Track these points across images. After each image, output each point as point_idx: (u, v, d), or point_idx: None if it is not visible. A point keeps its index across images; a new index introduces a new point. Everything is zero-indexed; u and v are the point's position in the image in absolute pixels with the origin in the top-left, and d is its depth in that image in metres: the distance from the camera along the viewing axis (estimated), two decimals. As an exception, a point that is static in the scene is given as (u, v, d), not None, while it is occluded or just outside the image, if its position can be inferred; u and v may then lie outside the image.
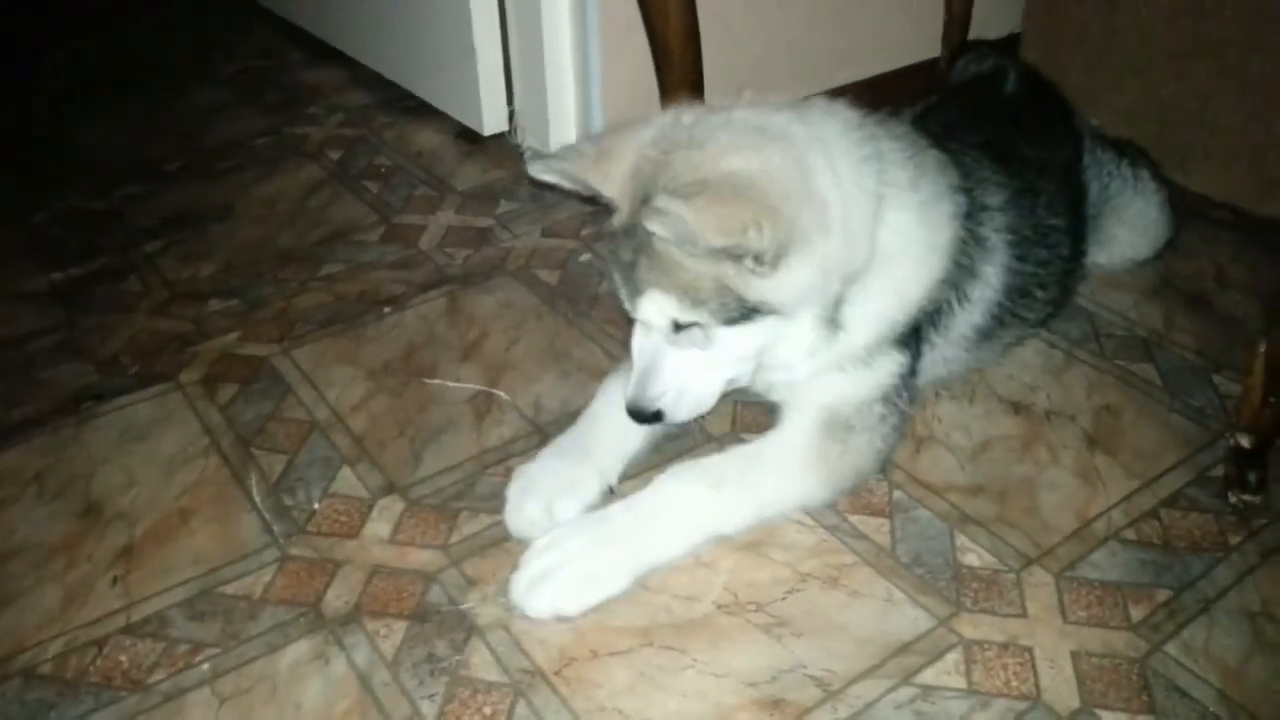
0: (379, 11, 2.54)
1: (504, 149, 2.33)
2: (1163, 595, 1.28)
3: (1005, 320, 1.56)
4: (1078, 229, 1.67)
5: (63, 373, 1.70)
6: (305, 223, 2.10)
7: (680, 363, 1.32)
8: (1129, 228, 1.81)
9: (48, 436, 1.56)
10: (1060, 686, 1.18)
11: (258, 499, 1.44)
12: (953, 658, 1.21)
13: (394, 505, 1.43)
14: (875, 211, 1.32)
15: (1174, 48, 2.07)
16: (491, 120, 2.34)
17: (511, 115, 2.33)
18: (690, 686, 1.18)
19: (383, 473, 1.49)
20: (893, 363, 1.41)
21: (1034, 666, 1.20)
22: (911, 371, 1.44)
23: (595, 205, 1.38)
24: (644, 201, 1.22)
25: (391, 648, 1.23)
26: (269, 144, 2.43)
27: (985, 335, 1.55)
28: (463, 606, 1.28)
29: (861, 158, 1.32)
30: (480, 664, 1.21)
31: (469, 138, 2.39)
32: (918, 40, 2.40)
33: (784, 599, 1.28)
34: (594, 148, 1.34)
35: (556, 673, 1.20)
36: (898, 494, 1.43)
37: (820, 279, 1.27)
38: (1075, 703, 1.16)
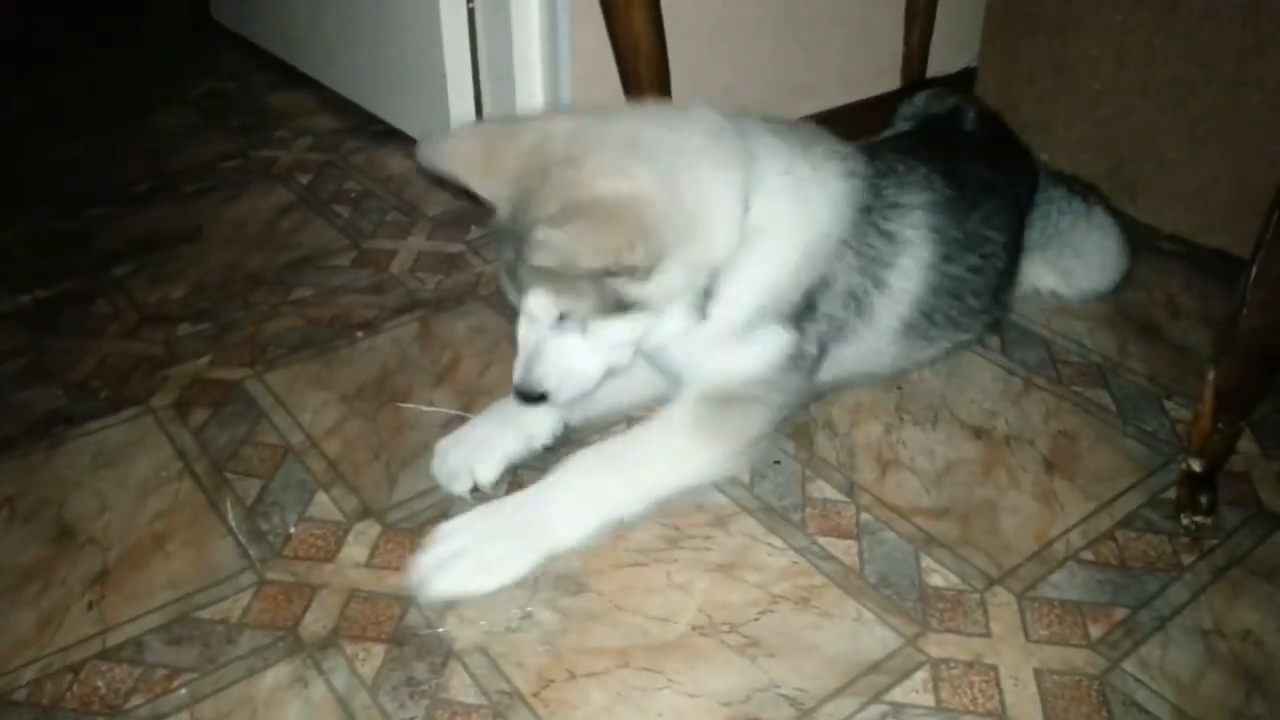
0: (347, 36, 2.56)
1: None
2: (1120, 614, 1.33)
3: (935, 320, 1.63)
4: (1014, 250, 1.75)
5: (32, 396, 1.69)
6: (275, 246, 2.11)
7: (562, 347, 1.38)
8: (1085, 262, 1.88)
9: (18, 461, 1.56)
10: (1024, 703, 1.22)
11: (233, 523, 1.45)
12: (920, 676, 1.25)
13: (370, 529, 1.44)
14: (741, 203, 1.38)
15: (1124, 84, 2.15)
16: (461, 146, 2.36)
17: (481, 142, 2.36)
18: (666, 707, 1.21)
19: (358, 497, 1.50)
20: (776, 339, 1.45)
21: (999, 684, 1.24)
22: (803, 353, 1.48)
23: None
24: (521, 217, 1.31)
25: (370, 671, 1.24)
26: (237, 167, 2.44)
27: (915, 331, 1.62)
28: (440, 630, 1.30)
29: (726, 158, 1.38)
30: (459, 686, 1.23)
31: (438, 163, 2.40)
32: (878, 74, 2.47)
33: (757, 620, 1.31)
34: (480, 146, 1.41)
35: (535, 694, 1.22)
36: (865, 516, 1.47)
37: (688, 277, 1.35)
38: (1039, 719, 1.20)
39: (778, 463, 1.56)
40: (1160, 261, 2.06)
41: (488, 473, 1.48)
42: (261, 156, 2.48)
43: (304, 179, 2.37)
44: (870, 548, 1.42)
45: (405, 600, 1.33)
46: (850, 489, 1.52)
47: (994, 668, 1.26)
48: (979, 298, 1.67)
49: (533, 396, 1.40)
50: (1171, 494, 1.50)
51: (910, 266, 1.56)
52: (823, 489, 1.52)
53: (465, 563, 1.32)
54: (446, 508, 1.47)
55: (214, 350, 1.80)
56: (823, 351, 1.53)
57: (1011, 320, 1.88)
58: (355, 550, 1.41)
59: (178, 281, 2.00)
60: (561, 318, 1.35)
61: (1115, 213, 1.94)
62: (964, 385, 1.72)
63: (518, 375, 1.40)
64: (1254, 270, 1.28)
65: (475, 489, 1.48)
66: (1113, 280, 1.93)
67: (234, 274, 2.02)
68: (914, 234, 1.56)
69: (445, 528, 1.37)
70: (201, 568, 1.38)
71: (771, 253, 1.42)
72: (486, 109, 2.32)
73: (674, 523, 1.45)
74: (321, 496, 1.49)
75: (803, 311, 1.46)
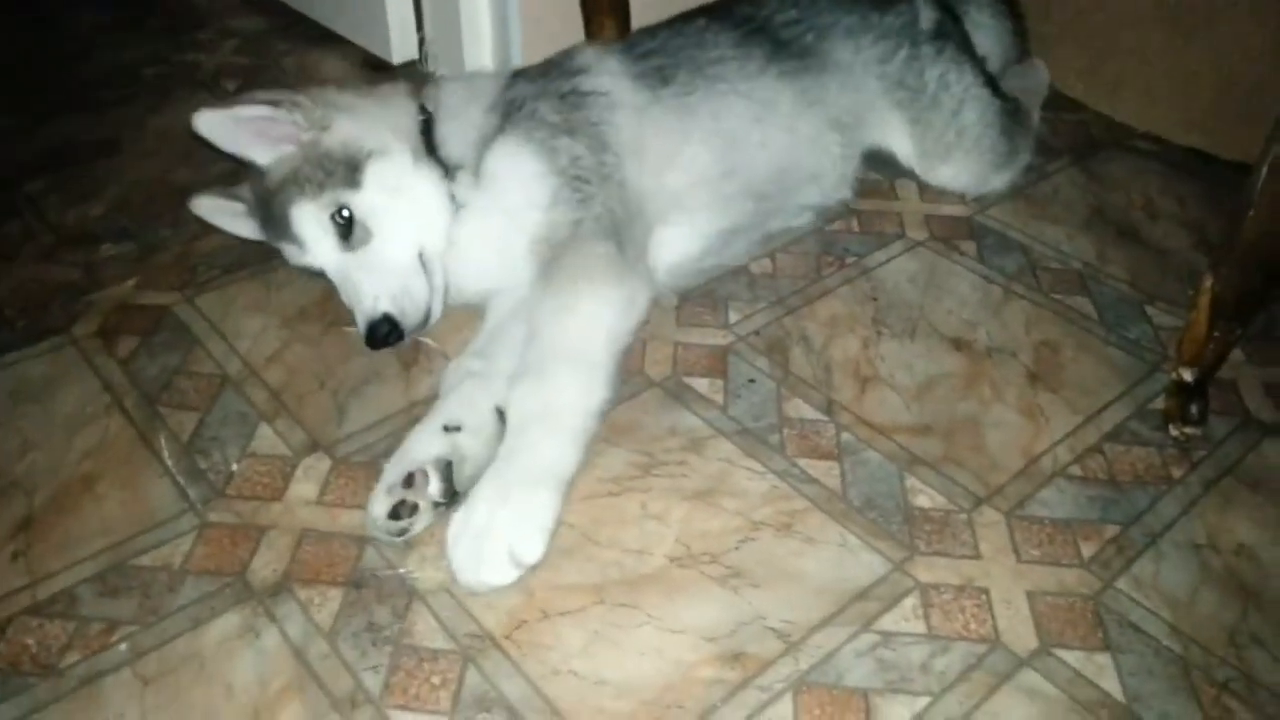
0: (272, -72, 2.37)
1: (415, 78, 2.20)
2: (1111, 531, 1.28)
3: (672, 74, 1.63)
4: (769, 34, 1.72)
5: (-61, 328, 1.55)
6: (202, 158, 1.92)
7: (366, 264, 1.46)
8: (946, 149, 1.81)
9: (-73, 399, 1.43)
10: (1018, 627, 1.17)
11: (169, 462, 1.34)
12: (910, 602, 1.19)
13: (319, 464, 1.34)
14: (408, 110, 1.57)
15: (1103, -27, 2.05)
16: (401, 47, 2.20)
17: (422, 42, 2.20)
18: (647, 644, 1.14)
19: (305, 429, 1.39)
20: (508, 139, 1.51)
21: (991, 608, 1.19)
22: (556, 150, 1.50)
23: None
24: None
25: (328, 617, 1.16)
26: (157, 73, 2.26)
27: (669, 97, 1.62)
28: (401, 570, 1.21)
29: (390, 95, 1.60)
30: (425, 631, 1.15)
31: (376, 66, 2.25)
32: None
33: (737, 549, 1.25)
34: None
35: (506, 636, 1.14)
36: (845, 436, 1.40)
37: (359, 126, 1.50)
38: (1033, 643, 1.15)
39: (752, 381, 1.48)
40: (1136, 161, 1.99)
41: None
42: (184, 60, 2.30)
43: (231, 85, 2.20)
44: (852, 469, 1.36)
45: (361, 539, 1.24)
46: (829, 407, 1.44)
47: (985, 591, 1.21)
48: (707, 51, 1.67)
49: (381, 332, 1.43)
50: (1158, 404, 1.45)
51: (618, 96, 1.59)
52: (800, 408, 1.44)
53: (501, 535, 1.18)
54: (401, 439, 1.36)
55: (139, 273, 1.67)
56: (602, 148, 1.53)
57: (986, 225, 1.80)
58: (304, 487, 1.31)
59: (96, 198, 1.85)
60: (339, 234, 1.45)
61: (1012, 110, 1.83)
62: (941, 295, 1.65)
63: (359, 320, 1.45)
64: (1263, 172, 1.20)
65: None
66: (982, 181, 1.85)
67: (158, 189, 1.87)
68: (611, 82, 1.61)
69: (454, 523, 1.21)
70: (137, 511, 1.28)
71: (451, 108, 1.58)
72: (426, 3, 2.15)
73: (646, 449, 1.37)
74: (265, 430, 1.39)
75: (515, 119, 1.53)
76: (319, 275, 1.52)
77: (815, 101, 1.70)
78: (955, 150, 1.81)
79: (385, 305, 1.44)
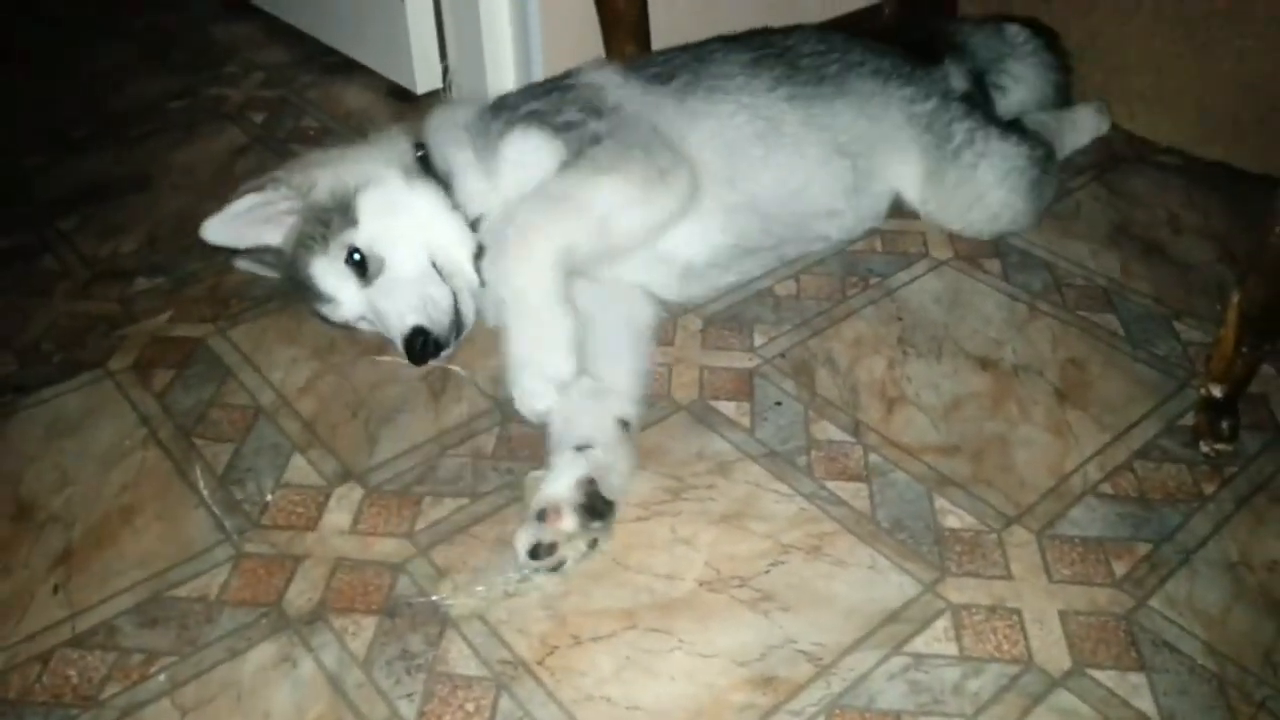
0: (295, -38, 2.41)
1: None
2: (1143, 549, 1.28)
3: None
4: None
5: (-22, 363, 1.58)
6: (231, 192, 1.96)
7: (386, 290, 1.51)
8: (960, 198, 1.78)
9: (-34, 434, 1.45)
10: (1051, 648, 1.17)
11: (205, 493, 1.36)
12: (941, 624, 1.19)
13: (352, 493, 1.36)
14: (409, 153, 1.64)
15: (1120, -13, 2.05)
16: (424, 77, 2.23)
17: (446, 71, 2.23)
18: (679, 669, 1.14)
19: (338, 459, 1.41)
20: (523, 131, 1.57)
21: (1023, 629, 1.19)
22: (561, 122, 1.57)
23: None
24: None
25: (362, 646, 1.17)
26: (184, 107, 2.30)
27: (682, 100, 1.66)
28: (434, 598, 1.22)
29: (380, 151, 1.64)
30: (458, 658, 1.16)
31: (400, 96, 2.28)
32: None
33: (767, 572, 1.25)
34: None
35: (539, 662, 1.15)
36: (873, 457, 1.40)
37: (332, 178, 1.56)
38: (1067, 664, 1.15)
39: (779, 404, 1.49)
40: (1158, 176, 1.99)
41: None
42: (210, 95, 2.34)
43: (257, 117, 2.23)
44: (881, 490, 1.36)
45: (394, 568, 1.26)
46: (856, 429, 1.45)
47: (1017, 611, 1.21)
48: (711, 66, 1.70)
49: (418, 342, 1.47)
50: (1188, 420, 1.44)
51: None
52: (827, 430, 1.45)
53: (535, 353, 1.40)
54: (433, 467, 1.39)
55: (173, 306, 1.70)
56: (595, 112, 1.58)
57: (1009, 243, 1.80)
58: (338, 516, 1.33)
59: (128, 233, 1.88)
60: (357, 273, 1.51)
61: (1034, 165, 1.78)
62: (966, 314, 1.65)
63: (398, 340, 1.49)
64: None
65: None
66: (998, 228, 1.80)
67: (188, 223, 1.87)
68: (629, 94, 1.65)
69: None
70: (174, 543, 1.29)
71: (438, 126, 1.66)
72: (449, 33, 2.18)
73: (674, 473, 1.38)
74: (298, 460, 1.41)
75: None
76: (360, 329, 1.59)
77: (824, 127, 1.69)
78: (967, 209, 1.78)
79: (412, 319, 1.48)
